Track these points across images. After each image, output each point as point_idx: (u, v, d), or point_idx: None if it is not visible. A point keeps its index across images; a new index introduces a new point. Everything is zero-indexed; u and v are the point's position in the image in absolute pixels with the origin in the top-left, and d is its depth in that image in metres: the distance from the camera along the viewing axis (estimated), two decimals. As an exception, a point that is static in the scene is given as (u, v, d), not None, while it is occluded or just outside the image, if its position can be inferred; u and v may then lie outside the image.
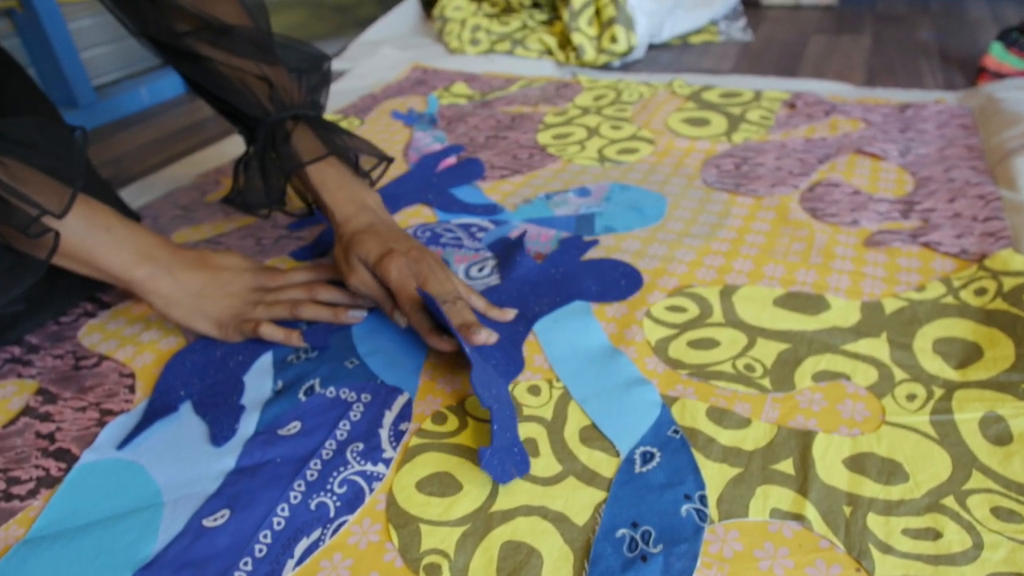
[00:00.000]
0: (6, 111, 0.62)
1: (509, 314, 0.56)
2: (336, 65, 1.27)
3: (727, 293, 0.58)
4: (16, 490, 0.45)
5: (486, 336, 0.50)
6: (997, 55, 0.98)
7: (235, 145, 0.98)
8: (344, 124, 0.99)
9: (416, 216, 0.74)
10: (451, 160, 0.85)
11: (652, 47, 1.26)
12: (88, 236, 0.51)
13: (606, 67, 1.16)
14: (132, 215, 0.71)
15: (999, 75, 0.98)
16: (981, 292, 0.55)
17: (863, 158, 0.80)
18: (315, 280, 0.59)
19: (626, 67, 1.17)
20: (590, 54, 1.11)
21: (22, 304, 0.57)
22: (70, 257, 0.50)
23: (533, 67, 1.16)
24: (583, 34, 1.11)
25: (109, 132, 1.11)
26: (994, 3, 1.42)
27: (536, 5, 1.26)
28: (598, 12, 1.12)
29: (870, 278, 0.59)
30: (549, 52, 1.18)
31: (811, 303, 0.56)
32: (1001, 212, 0.65)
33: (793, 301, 0.57)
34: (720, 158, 0.82)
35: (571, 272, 0.61)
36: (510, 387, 0.50)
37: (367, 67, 1.21)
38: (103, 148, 1.06)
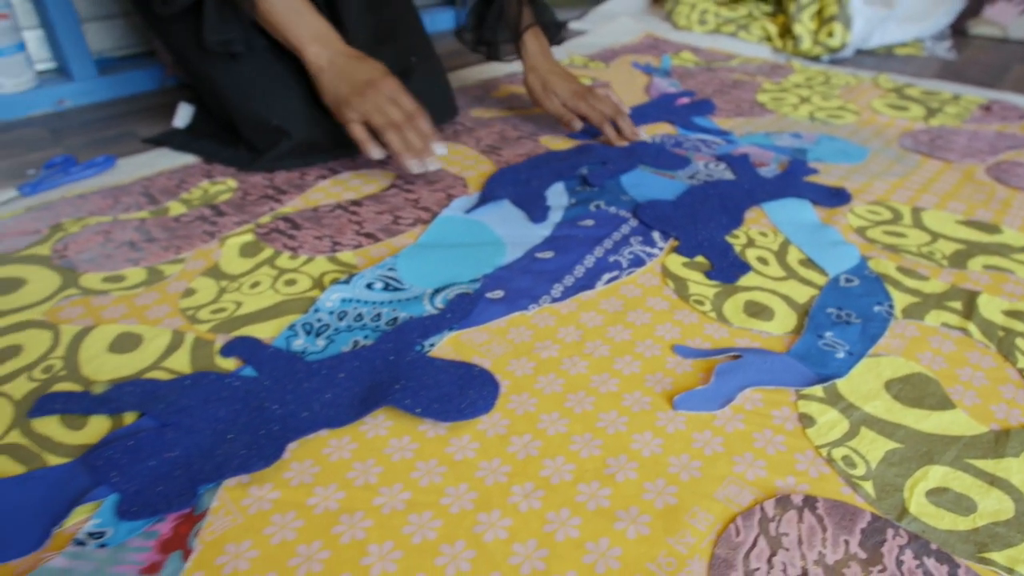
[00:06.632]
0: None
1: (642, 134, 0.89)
2: (576, 26, 1.50)
3: (917, 211, 0.74)
4: (399, 224, 0.69)
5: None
6: None
7: (492, 68, 1.22)
8: (592, 66, 1.21)
9: (661, 129, 0.94)
10: (685, 100, 1.04)
11: (859, 52, 1.39)
12: (283, 9, 0.72)
13: (816, 59, 1.31)
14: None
15: None
16: None
17: (1052, 153, 0.91)
18: (419, 114, 0.73)
19: (834, 63, 1.31)
20: (807, 44, 1.27)
21: (241, 46, 0.74)
22: (264, 20, 0.72)
23: (751, 49, 1.33)
24: (804, 26, 1.27)
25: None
26: None
27: (761, -1, 1.43)
28: (820, 10, 1.27)
29: (1043, 223, 0.72)
30: (768, 39, 1.35)
31: (987, 228, 0.71)
32: None
33: (973, 224, 0.71)
34: (917, 133, 0.96)
35: (793, 183, 0.78)
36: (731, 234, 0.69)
37: (606, 30, 1.43)
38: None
